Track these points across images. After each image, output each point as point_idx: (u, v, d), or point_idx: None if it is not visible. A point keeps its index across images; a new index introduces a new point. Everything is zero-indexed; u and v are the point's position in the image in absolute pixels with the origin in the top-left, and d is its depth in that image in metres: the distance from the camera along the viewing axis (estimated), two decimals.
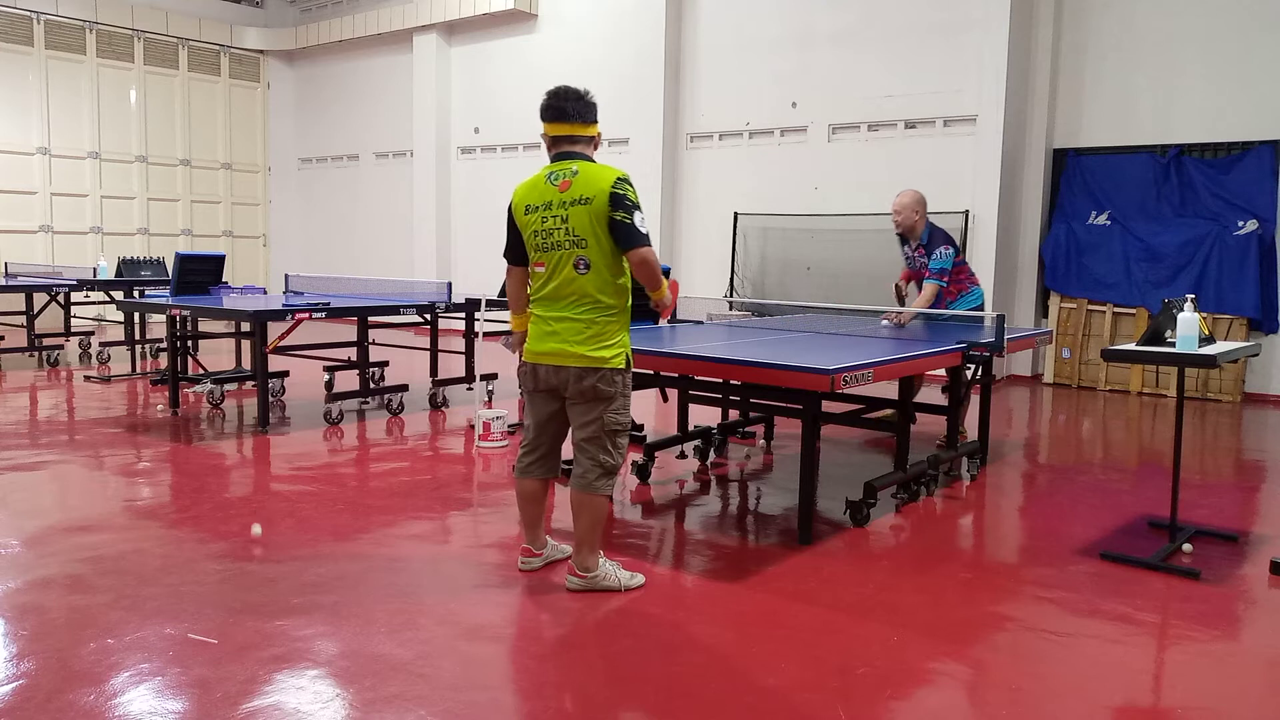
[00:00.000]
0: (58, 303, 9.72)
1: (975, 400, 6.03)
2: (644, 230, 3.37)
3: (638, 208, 3.38)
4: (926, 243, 6.10)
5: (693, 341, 4.77)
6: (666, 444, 5.60)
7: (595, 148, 3.57)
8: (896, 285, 6.54)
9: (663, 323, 3.84)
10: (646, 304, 3.87)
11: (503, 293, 7.62)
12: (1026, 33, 9.47)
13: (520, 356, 3.63)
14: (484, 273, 11.70)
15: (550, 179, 3.43)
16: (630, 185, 3.40)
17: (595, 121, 3.54)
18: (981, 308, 6.26)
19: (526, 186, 3.52)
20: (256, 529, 3.28)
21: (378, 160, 14.98)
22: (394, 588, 3.60)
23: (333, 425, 6.72)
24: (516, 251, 3.59)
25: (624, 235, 3.34)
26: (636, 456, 5.39)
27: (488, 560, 3.96)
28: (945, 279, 6.04)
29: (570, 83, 3.68)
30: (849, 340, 5.15)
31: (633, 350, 3.62)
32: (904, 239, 6.29)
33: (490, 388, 7.64)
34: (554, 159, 3.51)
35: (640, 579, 3.66)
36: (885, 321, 6.15)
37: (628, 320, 3.53)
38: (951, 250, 6.05)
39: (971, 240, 9.34)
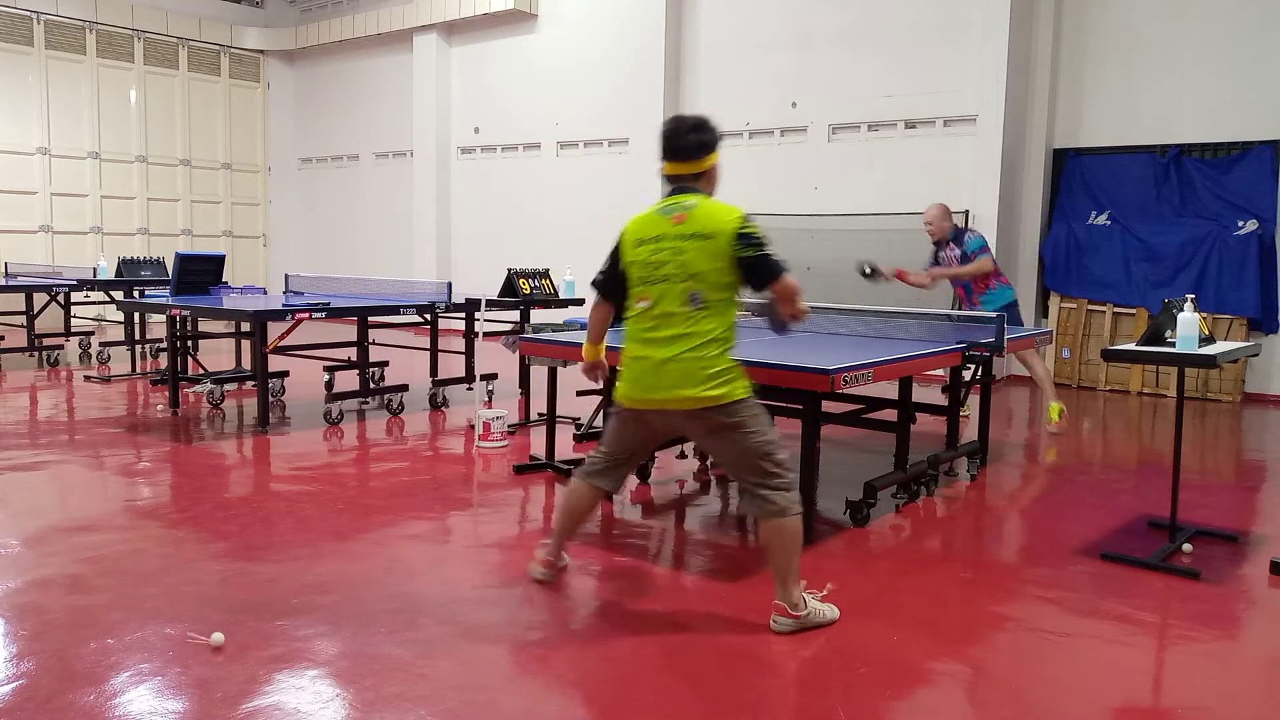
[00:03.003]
0: (58, 303, 9.72)
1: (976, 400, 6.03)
2: (780, 260, 3.22)
3: (767, 241, 3.23)
4: (955, 237, 7.03)
5: None
6: (667, 444, 5.59)
7: (713, 181, 3.38)
8: (874, 269, 6.88)
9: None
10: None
11: (504, 292, 7.66)
12: (1026, 33, 9.47)
13: (613, 398, 3.47)
14: (484, 273, 11.69)
15: (664, 212, 3.29)
16: (754, 223, 3.25)
17: (710, 154, 3.34)
18: (1015, 305, 6.96)
19: (639, 221, 3.38)
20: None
21: (378, 160, 14.98)
22: (394, 587, 3.60)
23: (333, 425, 6.72)
24: (612, 286, 3.45)
25: (762, 271, 3.19)
26: None
27: (488, 560, 3.96)
28: (990, 253, 6.97)
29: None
30: (849, 340, 5.15)
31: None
32: (938, 246, 7.14)
33: (490, 388, 7.64)
34: (669, 193, 3.36)
35: (836, 610, 3.37)
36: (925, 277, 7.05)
37: (732, 349, 3.33)
38: (980, 234, 7.12)
39: None
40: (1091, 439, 7.08)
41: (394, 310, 7.28)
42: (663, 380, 3.24)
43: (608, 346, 3.77)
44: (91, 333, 10.29)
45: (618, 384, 3.42)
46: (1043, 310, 9.74)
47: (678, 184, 3.36)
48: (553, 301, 7.82)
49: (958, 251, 7.00)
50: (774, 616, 3.27)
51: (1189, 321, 3.94)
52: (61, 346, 9.76)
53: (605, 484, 3.56)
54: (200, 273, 8.07)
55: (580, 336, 5.06)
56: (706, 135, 3.32)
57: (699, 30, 11.36)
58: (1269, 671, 3.08)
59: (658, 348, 3.25)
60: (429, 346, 7.78)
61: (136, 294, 9.37)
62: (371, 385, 7.22)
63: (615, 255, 3.43)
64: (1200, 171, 8.91)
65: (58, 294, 9.64)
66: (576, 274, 8.23)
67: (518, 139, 13.13)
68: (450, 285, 7.73)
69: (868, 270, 6.83)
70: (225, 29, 15.24)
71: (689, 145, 3.30)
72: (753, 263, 3.19)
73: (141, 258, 9.97)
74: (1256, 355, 7.95)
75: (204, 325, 8.17)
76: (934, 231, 7.11)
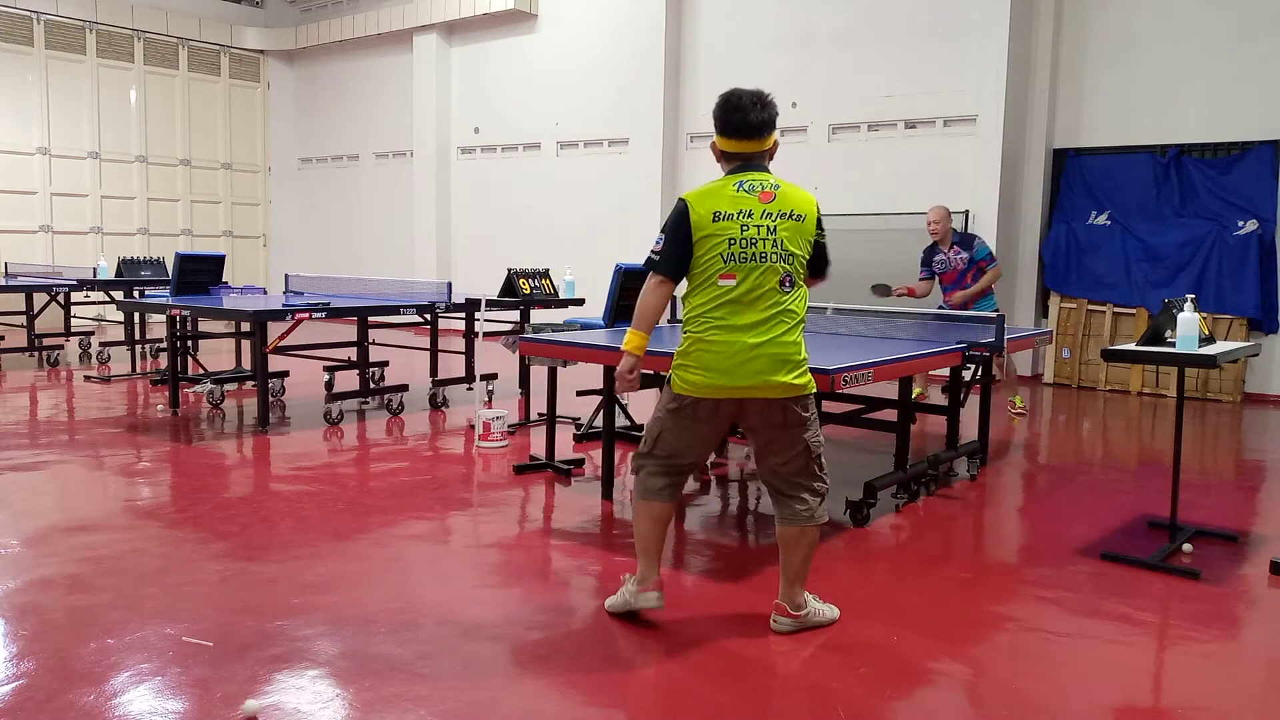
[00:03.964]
0: (58, 303, 9.72)
1: (975, 400, 6.03)
2: None
3: None
4: (960, 241, 7.27)
5: None
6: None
7: (773, 158, 3.25)
8: (898, 291, 7.37)
9: None
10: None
11: (504, 292, 7.66)
12: (1026, 33, 9.47)
13: (671, 389, 3.20)
14: (484, 273, 11.69)
15: (744, 188, 3.10)
16: None
17: (774, 130, 3.19)
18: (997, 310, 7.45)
19: (707, 193, 3.13)
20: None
21: (378, 160, 14.98)
22: (394, 588, 3.60)
23: (333, 425, 6.72)
24: (678, 263, 3.14)
25: (823, 258, 3.21)
26: None
27: (488, 560, 3.96)
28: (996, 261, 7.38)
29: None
30: (849, 340, 5.15)
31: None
32: (935, 248, 7.34)
33: (490, 388, 7.64)
34: (736, 170, 3.18)
35: (837, 610, 3.36)
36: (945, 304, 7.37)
37: None
38: (984, 241, 7.44)
39: None
40: (1091, 439, 7.08)
41: (394, 310, 7.28)
42: (750, 366, 3.05)
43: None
44: (91, 333, 10.29)
45: (683, 374, 3.15)
46: (1043, 310, 9.74)
47: (743, 161, 3.17)
48: (553, 301, 7.82)
49: (964, 255, 7.22)
50: (774, 616, 3.26)
51: (1189, 321, 3.94)
52: (61, 346, 9.76)
53: (671, 496, 3.31)
54: (200, 273, 8.07)
55: (581, 337, 5.07)
56: (773, 111, 3.17)
57: (699, 30, 11.36)
58: (1269, 671, 3.08)
59: (746, 332, 3.05)
60: (429, 346, 7.78)
61: (136, 294, 9.37)
62: (371, 385, 7.22)
63: (682, 229, 3.11)
64: (1200, 171, 8.91)
65: (58, 294, 9.64)
66: (576, 274, 8.24)
67: (518, 139, 13.13)
68: (450, 285, 7.73)
69: (885, 290, 7.22)
70: (225, 29, 15.24)
71: (758, 122, 3.11)
72: (821, 247, 3.20)
73: (141, 258, 9.97)
74: (1256, 355, 7.95)
75: (204, 325, 8.17)
76: (938, 232, 7.26)
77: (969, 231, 7.47)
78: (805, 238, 3.13)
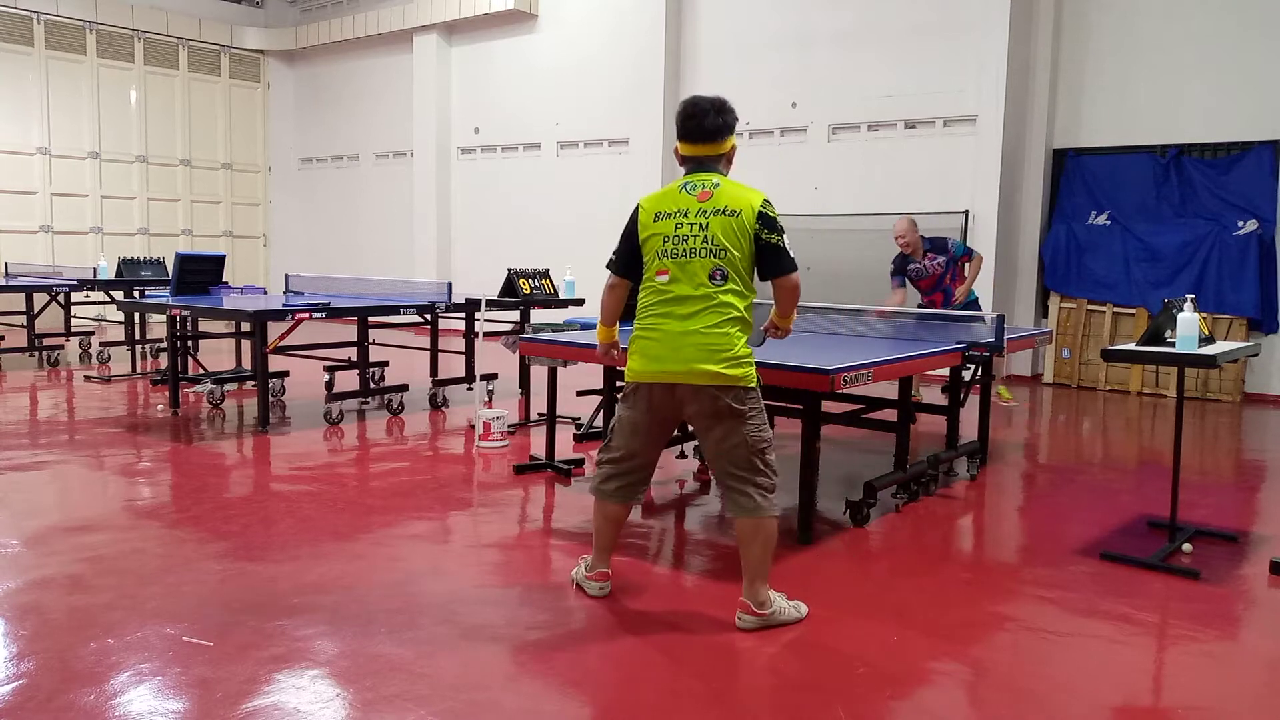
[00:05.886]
0: (58, 303, 9.72)
1: (975, 400, 6.03)
2: (793, 255, 3.25)
3: (784, 231, 3.25)
4: (933, 246, 7.15)
5: None
6: (667, 444, 5.58)
7: (729, 163, 3.38)
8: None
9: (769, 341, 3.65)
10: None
11: (504, 292, 7.66)
12: (1026, 32, 9.47)
13: (625, 376, 3.36)
14: (484, 273, 11.69)
15: (687, 189, 3.26)
16: (773, 208, 3.26)
17: (730, 135, 3.34)
18: (977, 304, 7.48)
19: (657, 196, 3.34)
20: None
21: (378, 160, 14.98)
22: (394, 588, 3.60)
23: (333, 425, 6.72)
24: (628, 262, 3.36)
25: (775, 260, 3.21)
26: None
27: (488, 560, 3.97)
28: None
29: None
30: (849, 340, 5.15)
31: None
32: (907, 258, 7.19)
33: (490, 388, 7.63)
34: (689, 172, 3.34)
35: (805, 607, 3.38)
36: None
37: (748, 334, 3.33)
38: (954, 238, 7.44)
39: (971, 240, 9.33)
40: (1091, 439, 7.08)
41: (394, 310, 7.28)
42: (680, 353, 3.16)
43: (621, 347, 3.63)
44: (91, 333, 10.29)
45: (629, 363, 3.31)
46: (1043, 310, 9.74)
47: (696, 164, 3.32)
48: (553, 301, 7.82)
49: (940, 259, 7.15)
50: (739, 614, 3.29)
51: (1189, 321, 3.94)
52: (61, 346, 9.76)
53: (622, 498, 3.46)
54: (200, 273, 8.07)
55: (581, 337, 5.07)
56: (728, 117, 3.31)
57: (699, 30, 11.36)
58: (1269, 671, 3.08)
59: (676, 321, 3.18)
60: (429, 346, 7.78)
61: (136, 294, 9.37)
62: (371, 385, 7.22)
63: (631, 231, 3.32)
64: (1200, 171, 8.90)
65: (58, 294, 9.64)
66: (576, 274, 8.23)
67: (518, 139, 13.14)
68: (450, 285, 7.73)
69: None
70: (225, 29, 15.24)
71: (712, 127, 3.27)
72: (768, 249, 3.21)
73: (141, 258, 9.96)
74: (1256, 355, 7.95)
75: (204, 325, 8.17)
76: (908, 244, 7.13)
77: (938, 236, 7.37)
78: (741, 233, 3.19)
